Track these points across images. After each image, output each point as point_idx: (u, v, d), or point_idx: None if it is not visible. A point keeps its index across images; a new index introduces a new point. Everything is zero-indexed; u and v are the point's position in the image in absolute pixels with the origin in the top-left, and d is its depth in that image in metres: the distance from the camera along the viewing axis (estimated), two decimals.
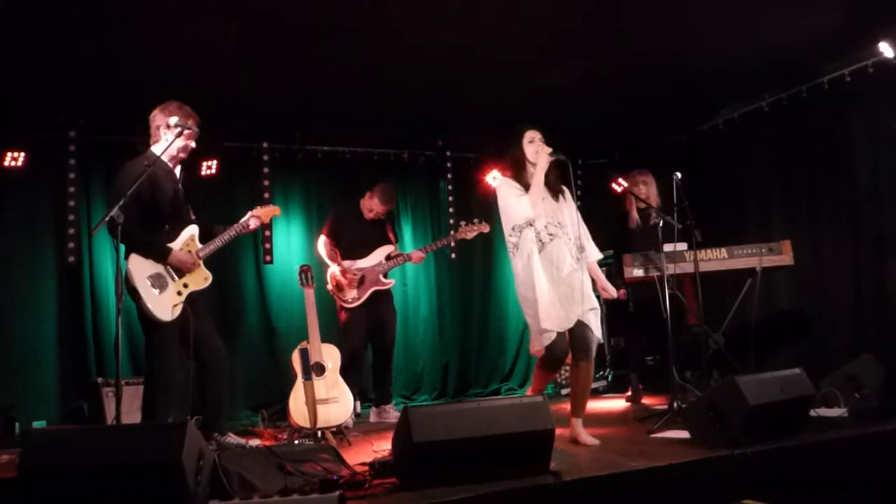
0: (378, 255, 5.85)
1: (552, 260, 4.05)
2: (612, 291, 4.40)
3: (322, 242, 5.90)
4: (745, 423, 3.62)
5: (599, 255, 4.39)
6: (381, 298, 5.87)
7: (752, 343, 5.38)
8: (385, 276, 5.85)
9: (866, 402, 4.53)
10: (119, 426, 3.58)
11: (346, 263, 5.75)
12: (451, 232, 6.50)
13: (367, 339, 5.86)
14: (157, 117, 4.26)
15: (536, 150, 4.15)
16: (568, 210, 4.25)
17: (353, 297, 5.71)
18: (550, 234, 4.09)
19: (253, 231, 4.64)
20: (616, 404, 6.10)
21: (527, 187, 4.13)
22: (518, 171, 4.20)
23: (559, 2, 4.65)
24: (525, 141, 4.20)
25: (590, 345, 4.10)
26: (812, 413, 4.16)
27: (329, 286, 5.79)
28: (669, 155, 7.23)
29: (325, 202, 6.97)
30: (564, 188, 4.30)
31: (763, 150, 6.55)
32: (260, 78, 5.51)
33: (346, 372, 5.54)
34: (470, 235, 5.93)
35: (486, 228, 5.87)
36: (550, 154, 4.11)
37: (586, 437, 4.11)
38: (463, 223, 5.96)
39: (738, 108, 6.63)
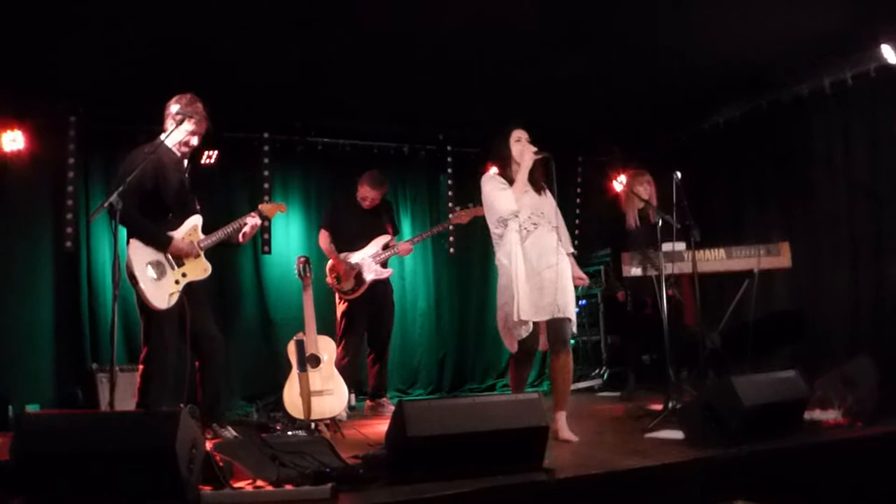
0: (374, 246, 5.86)
1: (533, 249, 4.15)
2: (585, 279, 4.54)
3: (322, 236, 5.93)
4: (739, 423, 3.61)
5: (571, 249, 4.48)
6: (381, 290, 5.89)
7: (748, 343, 5.38)
8: (384, 265, 5.86)
9: (861, 404, 4.52)
10: (112, 412, 3.58)
11: (341, 256, 5.76)
12: (449, 216, 6.50)
13: (365, 330, 5.87)
14: (168, 106, 4.29)
15: (522, 150, 4.28)
16: (549, 203, 4.36)
17: (351, 289, 5.72)
18: (534, 224, 4.20)
19: (256, 229, 4.62)
20: (611, 402, 6.10)
21: (511, 182, 4.25)
22: (504, 167, 4.36)
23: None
24: (512, 140, 4.34)
25: (567, 338, 4.18)
26: (807, 415, 4.16)
27: (328, 278, 5.81)
28: (670, 153, 7.22)
29: (324, 194, 6.97)
30: (546, 187, 4.42)
31: (763, 150, 6.55)
32: (260, 68, 5.50)
33: (345, 364, 5.56)
34: (465, 219, 5.96)
35: (481, 212, 5.84)
36: (535, 153, 4.25)
37: (568, 432, 4.10)
38: (458, 208, 5.98)
39: (739, 108, 6.63)
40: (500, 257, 4.21)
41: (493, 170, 4.42)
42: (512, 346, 4.16)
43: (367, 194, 5.90)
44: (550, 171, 4.32)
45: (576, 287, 4.34)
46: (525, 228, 4.17)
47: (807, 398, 4.07)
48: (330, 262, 5.82)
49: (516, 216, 4.16)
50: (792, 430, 3.92)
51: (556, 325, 4.14)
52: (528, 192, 4.27)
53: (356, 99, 6.27)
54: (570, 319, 4.17)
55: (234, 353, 6.10)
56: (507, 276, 4.14)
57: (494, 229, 4.24)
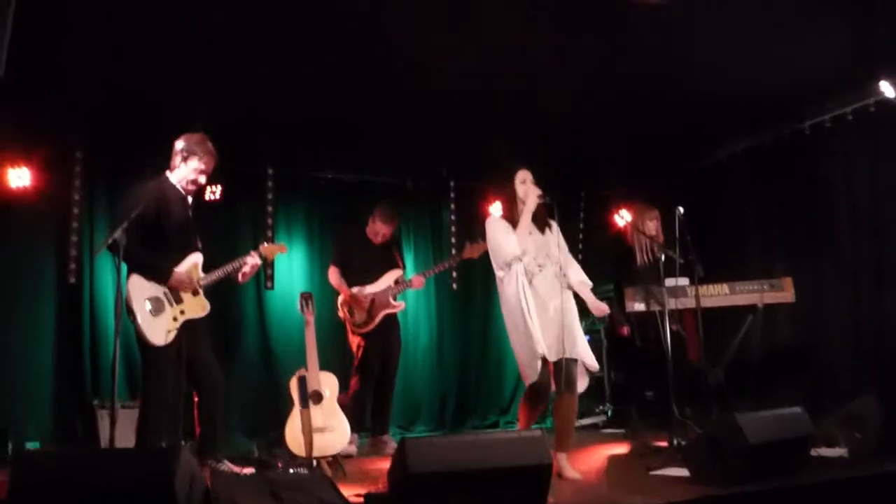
0: (387, 280, 5.89)
1: (539, 291, 4.22)
2: (604, 308, 4.48)
3: (332, 272, 5.94)
4: (744, 461, 3.58)
5: (584, 277, 4.49)
6: (389, 325, 5.89)
7: (752, 379, 5.35)
8: (395, 299, 5.88)
9: (867, 443, 4.49)
10: (112, 450, 3.56)
11: (355, 289, 5.77)
12: (453, 252, 6.49)
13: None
14: (175, 143, 4.33)
15: (527, 191, 4.38)
16: (554, 241, 4.43)
17: (363, 321, 5.72)
18: (539, 265, 4.27)
19: (257, 268, 4.62)
20: (615, 439, 6.04)
21: (515, 223, 4.34)
22: (509, 207, 4.47)
23: (564, 35, 4.69)
24: (517, 181, 4.45)
25: (574, 379, 4.19)
26: (812, 452, 4.12)
27: (340, 312, 5.83)
28: (672, 187, 7.23)
29: (327, 228, 6.97)
30: (552, 221, 4.52)
31: (766, 184, 6.56)
32: (264, 104, 5.56)
33: (356, 396, 5.54)
34: (477, 254, 5.93)
35: None
36: (539, 196, 4.36)
37: (571, 471, 4.11)
38: (468, 242, 5.98)
39: (741, 143, 6.66)
40: (509, 297, 4.22)
41: (497, 209, 4.48)
42: (527, 379, 4.14)
43: (379, 229, 5.94)
44: (552, 215, 4.48)
45: (601, 319, 4.44)
46: (530, 271, 4.23)
47: (812, 435, 4.03)
48: (341, 296, 5.83)
49: (521, 259, 4.21)
50: (798, 468, 3.88)
51: (561, 367, 4.14)
52: (532, 232, 4.35)
53: (360, 134, 6.31)
54: (576, 360, 4.18)
55: (236, 387, 6.06)
56: (514, 316, 4.16)
57: (498, 271, 4.30)
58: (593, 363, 4.25)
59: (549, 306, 4.17)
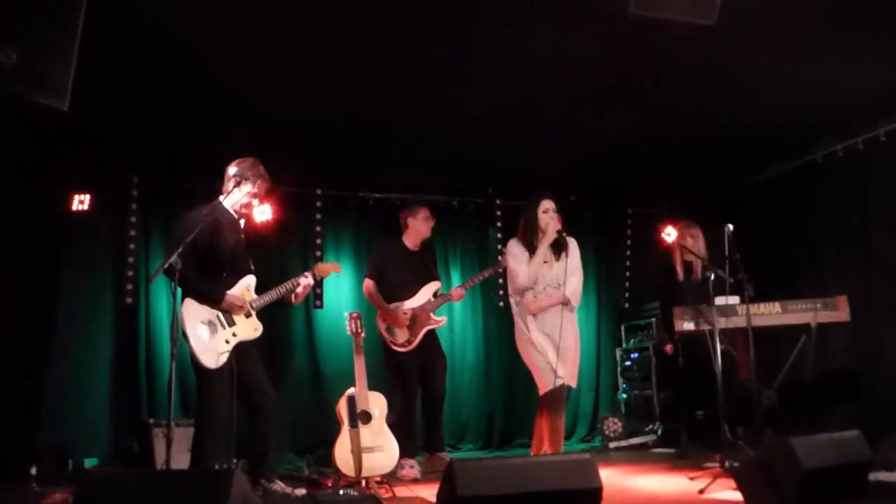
0: (425, 293, 5.76)
1: (547, 320, 4.63)
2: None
3: (367, 285, 5.81)
4: (799, 486, 3.50)
5: (574, 290, 4.78)
6: (430, 341, 5.75)
7: (806, 401, 5.24)
8: (435, 313, 5.78)
9: None
10: (169, 471, 3.65)
11: (393, 305, 5.68)
12: (498, 258, 6.44)
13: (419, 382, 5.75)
14: (228, 168, 4.43)
15: (547, 222, 4.67)
16: (565, 266, 4.71)
17: (406, 340, 5.61)
18: (549, 297, 4.66)
19: (310, 288, 4.70)
20: (666, 459, 5.97)
21: (533, 249, 4.69)
22: (530, 233, 4.73)
23: (611, 56, 4.71)
24: (539, 210, 4.71)
25: (565, 402, 4.75)
26: (871, 477, 4.01)
27: (380, 329, 5.70)
28: (719, 206, 7.16)
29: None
30: (570, 242, 4.78)
31: (817, 202, 6.46)
32: (314, 126, 5.67)
33: (406, 419, 5.52)
34: None
35: None
36: (558, 232, 4.68)
37: None
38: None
39: (792, 161, 6.57)
40: (519, 324, 4.71)
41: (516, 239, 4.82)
42: (547, 385, 4.59)
43: (421, 227, 5.84)
44: (569, 251, 4.73)
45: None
46: (540, 301, 4.65)
47: (870, 460, 3.93)
48: (379, 312, 5.74)
49: (532, 289, 4.61)
50: (855, 494, 3.78)
51: (557, 392, 4.55)
52: (547, 261, 4.67)
53: (408, 154, 6.38)
54: (569, 386, 4.68)
55: (285, 406, 6.10)
56: (525, 340, 4.68)
57: (511, 296, 4.74)
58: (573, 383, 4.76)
59: (555, 333, 4.52)
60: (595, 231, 7.91)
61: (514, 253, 4.66)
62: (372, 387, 4.94)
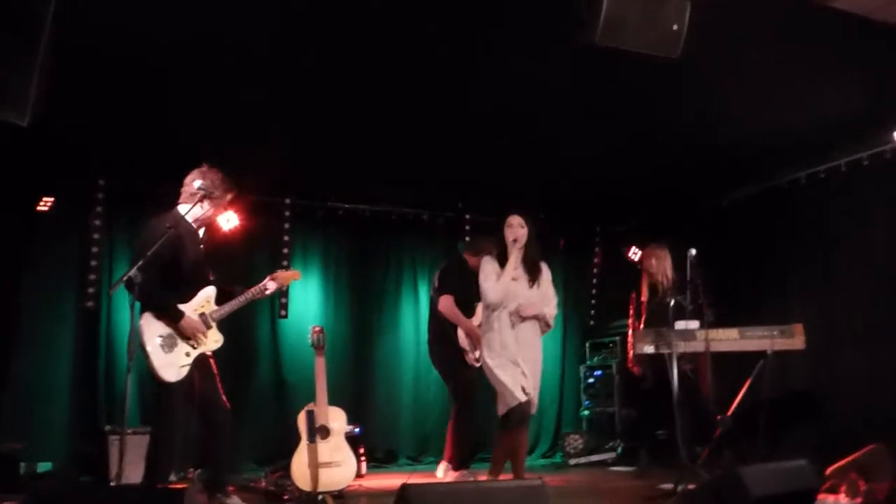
0: (479, 311, 5.63)
1: (519, 337, 4.52)
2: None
3: (448, 300, 5.73)
4: None
5: (550, 311, 4.70)
6: None
7: (764, 423, 5.30)
8: None
9: (874, 494, 4.44)
10: (120, 486, 3.63)
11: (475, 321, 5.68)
12: None
13: None
14: (191, 180, 4.32)
15: (513, 236, 4.57)
16: (540, 294, 4.63)
17: (476, 357, 5.58)
18: (521, 317, 4.52)
19: (270, 295, 4.69)
20: (624, 478, 6.02)
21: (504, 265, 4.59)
22: (501, 249, 4.65)
23: (581, 79, 4.77)
24: (506, 225, 4.63)
25: (529, 417, 4.65)
26: (818, 500, 4.08)
27: (462, 342, 5.77)
28: (689, 226, 7.24)
29: (343, 259, 7.05)
30: (544, 269, 4.70)
31: (782, 227, 6.57)
32: (284, 135, 5.66)
33: (466, 435, 5.72)
34: None
35: None
36: (513, 241, 4.55)
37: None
38: None
39: (758, 186, 6.67)
40: (489, 339, 4.57)
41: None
42: (511, 403, 4.43)
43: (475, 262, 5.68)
44: (540, 279, 4.64)
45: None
46: (512, 321, 4.51)
47: (817, 488, 4.00)
48: (461, 327, 5.72)
49: (504, 307, 4.50)
50: None
51: (524, 407, 4.47)
52: (517, 278, 4.56)
53: (377, 166, 6.38)
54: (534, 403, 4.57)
55: (247, 414, 6.13)
56: (496, 355, 4.50)
57: (483, 310, 4.68)
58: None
59: (520, 356, 4.45)
60: (564, 248, 7.96)
61: (486, 270, 4.61)
62: (332, 401, 4.92)
